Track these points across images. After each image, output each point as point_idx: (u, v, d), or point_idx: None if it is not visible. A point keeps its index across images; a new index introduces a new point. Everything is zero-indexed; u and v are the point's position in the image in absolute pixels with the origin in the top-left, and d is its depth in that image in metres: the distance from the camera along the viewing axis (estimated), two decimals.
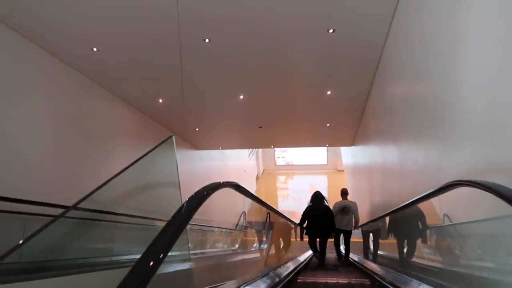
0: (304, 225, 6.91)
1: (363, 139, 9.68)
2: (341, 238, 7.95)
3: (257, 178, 26.20)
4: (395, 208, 4.17)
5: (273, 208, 6.60)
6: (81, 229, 3.26)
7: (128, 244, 3.80)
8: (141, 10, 4.92)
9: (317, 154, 26.75)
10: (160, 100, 8.30)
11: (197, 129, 10.70)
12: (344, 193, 7.67)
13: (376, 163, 7.66)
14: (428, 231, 3.66)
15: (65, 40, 5.58)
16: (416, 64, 4.11)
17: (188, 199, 1.90)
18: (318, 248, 6.86)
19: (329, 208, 6.89)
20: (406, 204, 3.49)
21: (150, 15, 5.04)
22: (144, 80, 7.27)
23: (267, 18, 5.14)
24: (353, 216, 7.32)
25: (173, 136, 2.46)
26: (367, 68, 6.54)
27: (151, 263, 1.28)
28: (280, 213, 7.48)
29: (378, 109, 6.96)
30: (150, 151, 2.35)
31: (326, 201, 6.97)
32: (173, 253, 2.37)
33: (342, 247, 7.83)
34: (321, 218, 6.60)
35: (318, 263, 6.75)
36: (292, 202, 24.19)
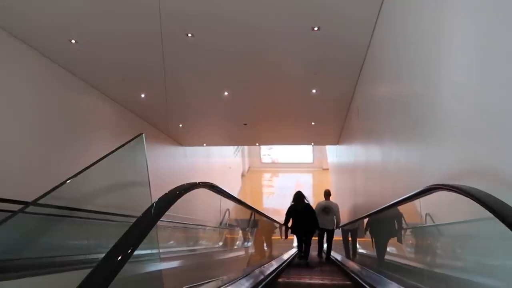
0: (289, 224, 7.12)
1: (347, 138, 9.69)
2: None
3: (242, 175, 26.11)
4: (374, 210, 4.14)
5: (254, 208, 6.60)
6: (52, 225, 3.14)
7: (105, 240, 3.68)
8: (121, 1, 4.77)
9: (303, 153, 26.82)
10: (143, 95, 8.13)
11: (180, 125, 10.54)
12: (327, 194, 8.02)
13: (359, 162, 7.68)
14: (403, 232, 3.67)
15: (42, 31, 5.37)
16: (400, 64, 4.08)
17: (158, 200, 1.82)
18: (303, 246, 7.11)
19: (310, 205, 7.14)
20: (384, 208, 3.46)
21: (130, 7, 4.89)
22: (126, 74, 7.09)
23: (251, 14, 5.05)
24: (335, 216, 7.61)
25: (143, 134, 2.37)
26: (352, 67, 6.51)
27: (113, 263, 1.22)
28: (261, 213, 7.48)
29: (362, 109, 6.94)
30: (117, 148, 2.26)
31: (307, 199, 7.24)
32: (142, 252, 2.28)
33: (325, 246, 8.05)
34: (303, 216, 6.90)
35: (300, 261, 7.06)
36: (278, 200, 24.16)
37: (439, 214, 2.82)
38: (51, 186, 2.54)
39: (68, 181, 2.10)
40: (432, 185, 2.19)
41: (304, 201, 7.08)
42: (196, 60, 6.49)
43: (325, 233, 7.77)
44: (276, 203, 23.88)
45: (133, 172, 2.57)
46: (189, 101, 8.62)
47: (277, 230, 8.53)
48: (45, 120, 6.17)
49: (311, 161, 27.40)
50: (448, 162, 2.74)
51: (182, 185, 2.10)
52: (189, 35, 5.55)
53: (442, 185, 2.06)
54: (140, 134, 2.34)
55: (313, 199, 23.76)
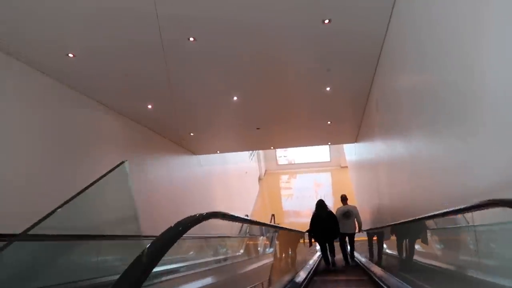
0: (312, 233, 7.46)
1: (367, 135, 9.20)
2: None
3: (260, 179, 25.74)
4: (412, 219, 3.67)
5: (275, 225, 6.31)
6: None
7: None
8: (117, 11, 4.44)
9: (319, 152, 26.31)
10: (150, 106, 7.82)
11: (192, 134, 10.22)
12: (343, 199, 8.24)
13: (382, 160, 7.19)
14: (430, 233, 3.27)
15: (38, 47, 5.09)
16: (426, 50, 3.61)
17: (152, 243, 1.44)
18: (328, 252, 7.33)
19: (332, 213, 7.44)
20: (426, 217, 3.01)
21: (127, 15, 4.56)
22: (130, 86, 6.78)
23: (256, 11, 4.65)
24: (355, 219, 7.85)
25: (126, 162, 2.00)
26: (367, 59, 6.05)
27: None
28: (283, 228, 7.20)
29: (382, 103, 6.47)
30: (100, 178, 1.90)
31: (328, 207, 7.51)
32: None
33: (349, 248, 8.17)
34: (325, 223, 7.20)
35: (326, 267, 7.33)
36: (297, 202, 23.75)
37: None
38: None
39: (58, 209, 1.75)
40: (492, 200, 1.75)
41: (326, 209, 7.35)
42: (201, 66, 6.13)
43: (347, 237, 7.95)
44: (295, 204, 23.49)
45: (121, 200, 2.21)
46: (198, 109, 8.28)
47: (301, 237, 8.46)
48: (47, 140, 5.89)
49: (329, 160, 26.87)
50: (499, 160, 2.29)
51: (187, 218, 1.72)
52: (191, 39, 5.19)
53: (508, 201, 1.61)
54: (123, 162, 1.97)
55: (332, 197, 23.35)
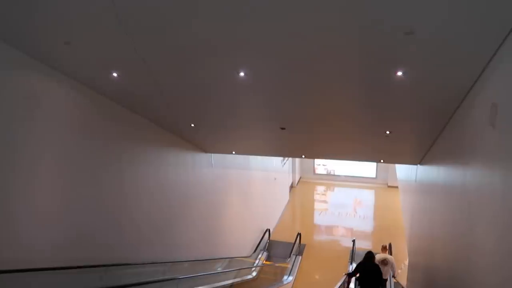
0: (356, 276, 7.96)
1: (446, 156, 5.97)
2: None
3: (291, 187, 22.70)
4: None
5: None
6: None
7: None
8: None
9: (364, 165, 22.85)
10: (115, 74, 5.13)
11: (192, 125, 7.48)
12: (384, 247, 9.72)
13: (476, 192, 3.98)
14: None
15: None
16: None
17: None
18: None
19: (377, 266, 7.87)
20: None
21: None
22: (74, 39, 4.15)
23: None
24: (391, 267, 9.17)
25: None
26: (487, 27, 2.95)
27: None
28: None
29: (506, 109, 3.32)
30: None
31: (376, 258, 8.04)
32: None
33: None
34: (371, 273, 7.64)
35: None
36: (331, 218, 20.54)
37: None
38: None
39: None
40: None
41: (374, 261, 7.85)
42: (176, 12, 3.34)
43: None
44: (329, 220, 20.28)
45: None
46: (190, 88, 5.49)
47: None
48: None
49: (374, 176, 23.31)
50: None
51: None
52: None
53: None
54: None
55: (373, 222, 19.76)
